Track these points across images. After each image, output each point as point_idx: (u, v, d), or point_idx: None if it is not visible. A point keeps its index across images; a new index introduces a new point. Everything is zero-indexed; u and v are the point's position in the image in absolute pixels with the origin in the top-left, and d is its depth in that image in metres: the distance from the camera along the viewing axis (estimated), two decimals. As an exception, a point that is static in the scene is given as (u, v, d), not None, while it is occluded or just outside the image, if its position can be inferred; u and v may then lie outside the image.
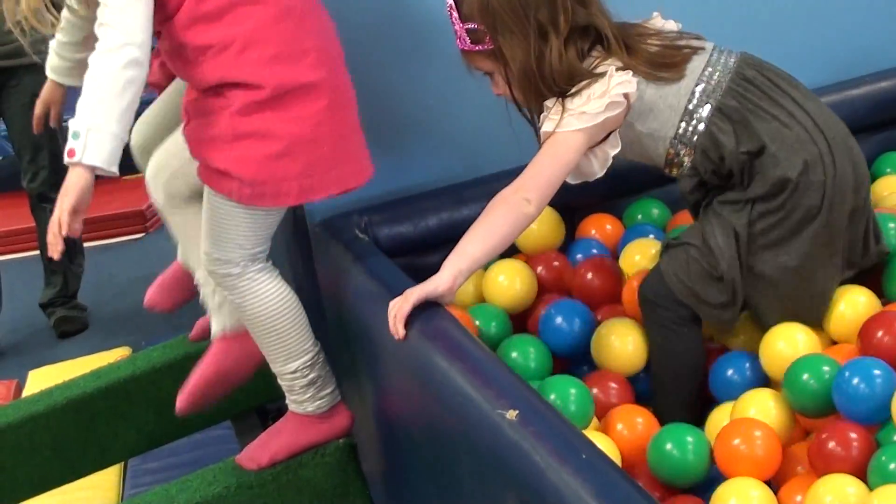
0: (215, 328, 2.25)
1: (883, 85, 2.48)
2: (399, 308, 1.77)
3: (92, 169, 1.78)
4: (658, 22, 1.97)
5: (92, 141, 1.77)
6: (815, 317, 1.89)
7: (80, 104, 1.80)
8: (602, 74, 1.84)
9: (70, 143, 1.78)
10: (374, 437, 2.15)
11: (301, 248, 2.31)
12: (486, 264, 2.07)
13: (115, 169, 1.80)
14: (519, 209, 1.81)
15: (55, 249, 1.82)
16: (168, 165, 2.24)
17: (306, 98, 1.98)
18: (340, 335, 2.20)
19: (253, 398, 2.70)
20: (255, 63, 1.96)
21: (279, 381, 2.17)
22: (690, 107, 1.86)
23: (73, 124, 1.78)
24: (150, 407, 2.62)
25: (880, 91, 2.47)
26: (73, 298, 4.16)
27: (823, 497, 1.58)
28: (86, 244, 4.23)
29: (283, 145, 1.95)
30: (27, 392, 3.35)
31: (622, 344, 1.97)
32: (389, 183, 2.23)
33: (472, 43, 1.88)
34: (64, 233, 1.81)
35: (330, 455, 2.23)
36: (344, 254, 2.11)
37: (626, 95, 1.83)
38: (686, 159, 1.88)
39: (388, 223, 2.21)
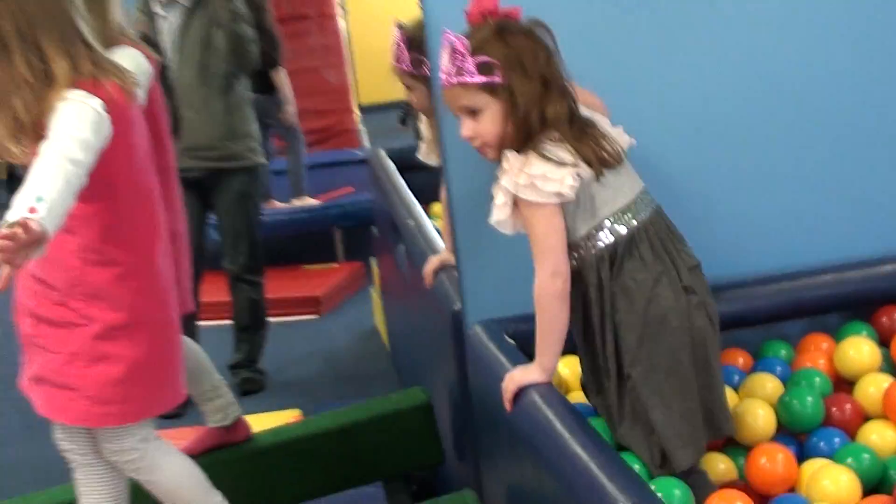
0: None
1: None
2: (507, 392, 1.99)
3: None
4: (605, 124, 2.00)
5: None
6: None
7: None
8: (568, 161, 1.88)
9: None
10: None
11: (456, 347, 2.41)
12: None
13: None
14: (558, 291, 1.92)
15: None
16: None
17: (146, 329, 2.18)
18: (484, 423, 2.31)
19: (402, 464, 2.81)
20: (126, 290, 2.13)
21: None
22: (605, 223, 1.93)
23: None
24: (318, 464, 2.76)
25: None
26: (256, 363, 4.41)
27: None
28: (270, 319, 4.47)
29: (128, 369, 2.15)
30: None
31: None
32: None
33: (480, 74, 1.90)
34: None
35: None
36: (493, 354, 2.18)
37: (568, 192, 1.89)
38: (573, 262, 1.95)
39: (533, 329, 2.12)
